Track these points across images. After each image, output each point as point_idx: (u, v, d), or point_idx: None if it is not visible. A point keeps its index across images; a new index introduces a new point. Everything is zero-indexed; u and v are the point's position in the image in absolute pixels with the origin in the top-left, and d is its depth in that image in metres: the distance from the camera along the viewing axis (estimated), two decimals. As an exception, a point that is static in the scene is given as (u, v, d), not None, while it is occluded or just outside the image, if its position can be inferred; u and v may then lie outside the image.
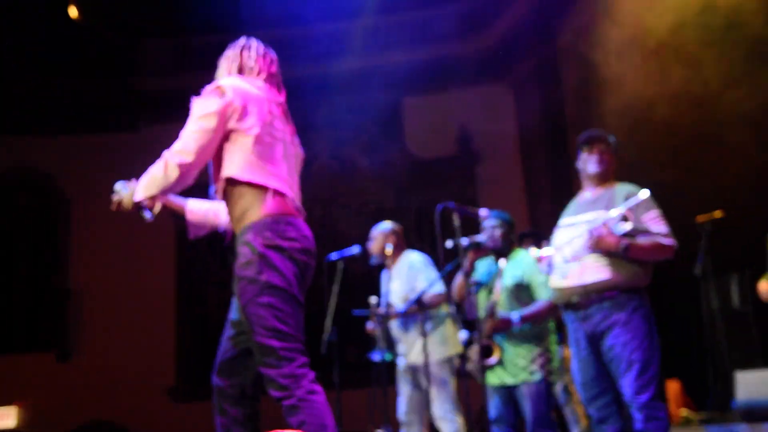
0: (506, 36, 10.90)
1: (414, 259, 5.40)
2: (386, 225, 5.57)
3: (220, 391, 2.99)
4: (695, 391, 6.68)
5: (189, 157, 2.76)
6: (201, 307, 11.38)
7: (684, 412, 6.22)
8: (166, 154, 2.81)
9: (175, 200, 3.19)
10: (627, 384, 3.68)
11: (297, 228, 2.82)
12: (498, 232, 4.73)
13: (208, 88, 2.91)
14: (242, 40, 3.20)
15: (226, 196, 2.90)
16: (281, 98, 3.08)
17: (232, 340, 2.98)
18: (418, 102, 11.53)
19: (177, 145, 2.81)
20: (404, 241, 5.56)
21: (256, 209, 2.80)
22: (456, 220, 4.35)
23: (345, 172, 11.55)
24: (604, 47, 7.87)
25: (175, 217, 3.20)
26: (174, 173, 2.77)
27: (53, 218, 11.64)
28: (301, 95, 8.50)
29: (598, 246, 3.72)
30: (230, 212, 2.90)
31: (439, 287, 5.15)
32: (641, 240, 3.74)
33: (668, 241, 3.76)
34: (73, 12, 9.62)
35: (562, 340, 5.37)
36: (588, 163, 4.04)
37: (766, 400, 5.14)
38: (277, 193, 2.83)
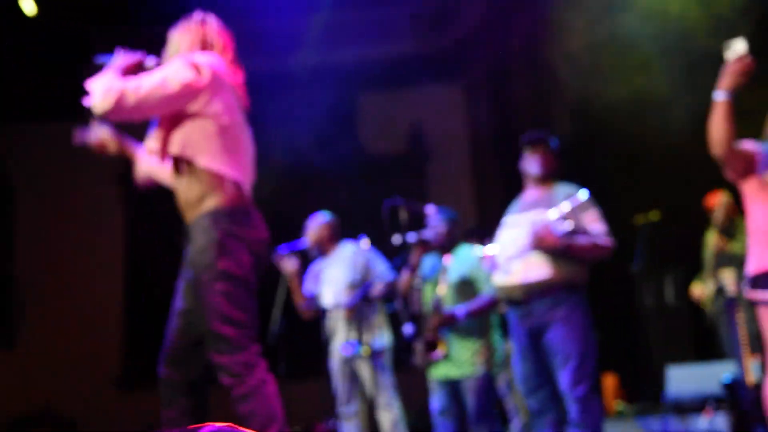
0: (461, 37, 11.03)
1: (354, 248, 5.46)
2: (321, 216, 5.64)
3: (167, 381, 2.98)
4: (630, 384, 6.89)
5: (131, 100, 2.66)
6: (149, 295, 11.28)
7: (618, 404, 6.41)
8: (124, 84, 2.71)
9: (130, 145, 3.19)
10: (564, 377, 3.82)
11: (253, 219, 2.82)
12: (444, 229, 4.83)
13: (187, 57, 2.83)
14: (199, 14, 3.10)
15: (179, 174, 2.86)
16: (241, 80, 3.03)
17: (179, 330, 2.96)
18: (372, 99, 11.59)
19: (133, 83, 2.70)
20: (339, 232, 5.62)
21: (215, 197, 2.75)
22: (403, 217, 4.43)
23: (298, 168, 11.56)
24: (556, 52, 8.03)
25: (126, 160, 3.22)
26: (110, 100, 2.68)
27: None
28: (256, 90, 8.51)
29: (540, 245, 3.85)
30: (183, 193, 2.85)
31: (388, 276, 5.25)
32: (580, 239, 3.88)
33: (606, 240, 3.91)
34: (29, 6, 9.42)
35: (506, 334, 5.52)
36: (530, 165, 4.18)
37: (695, 393, 5.34)
38: (236, 183, 2.80)
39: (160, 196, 11.38)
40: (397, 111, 11.20)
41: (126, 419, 10.07)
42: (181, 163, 2.83)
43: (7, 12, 9.75)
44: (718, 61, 2.91)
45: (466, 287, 4.75)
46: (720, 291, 5.41)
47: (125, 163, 11.17)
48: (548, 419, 3.98)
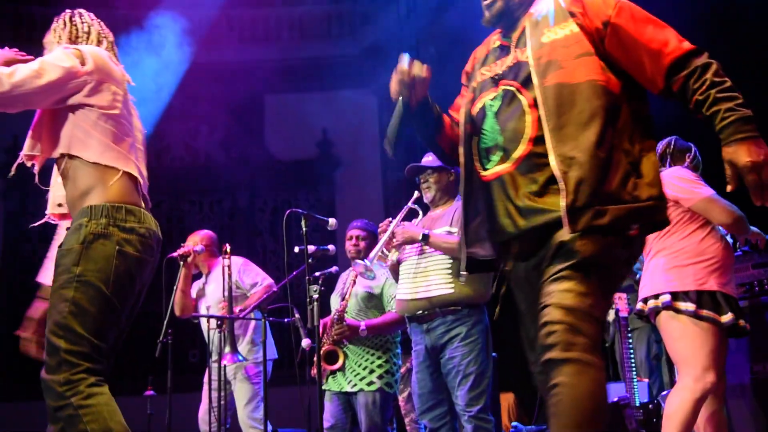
0: (373, 42, 11.02)
1: (234, 261, 5.27)
2: (198, 234, 5.57)
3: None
4: (528, 404, 6.99)
5: (5, 85, 2.40)
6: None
7: (514, 423, 6.50)
8: None
9: None
10: (461, 395, 3.84)
11: (139, 219, 2.58)
12: (362, 243, 4.78)
13: (68, 46, 2.63)
14: (68, 10, 2.88)
15: (65, 173, 2.60)
16: (122, 70, 2.83)
17: None
18: (280, 101, 11.46)
19: (6, 69, 2.45)
20: (218, 247, 5.50)
21: (98, 192, 2.53)
22: (304, 226, 4.36)
23: (198, 167, 11.29)
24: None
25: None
26: None
27: None
28: (156, 84, 8.28)
29: (403, 236, 4.00)
30: (68, 191, 2.63)
31: (264, 283, 5.21)
32: (443, 236, 3.95)
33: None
34: None
35: (407, 350, 5.49)
36: (424, 194, 4.24)
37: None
38: (126, 176, 2.59)
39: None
40: (307, 114, 11.07)
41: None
42: (66, 159, 2.58)
43: None
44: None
45: (371, 301, 4.70)
46: (616, 313, 5.53)
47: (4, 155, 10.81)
48: (444, 437, 3.98)
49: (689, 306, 3.52)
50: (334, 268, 4.91)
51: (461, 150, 2.32)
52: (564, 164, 1.99)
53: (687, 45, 2.03)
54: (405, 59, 2.22)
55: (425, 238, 3.94)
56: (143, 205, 2.67)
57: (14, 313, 10.50)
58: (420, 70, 2.21)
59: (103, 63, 2.62)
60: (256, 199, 11.25)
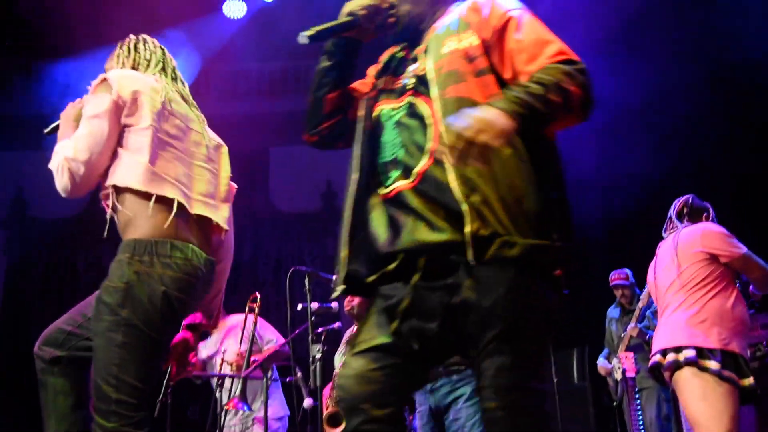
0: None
1: (240, 318, 5.25)
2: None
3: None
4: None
5: (81, 168, 2.44)
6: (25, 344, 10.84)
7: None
8: (63, 156, 2.48)
9: None
10: None
11: (185, 255, 2.49)
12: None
13: (94, 82, 2.61)
14: (133, 36, 2.88)
15: (113, 204, 2.55)
16: (183, 88, 2.86)
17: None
18: (285, 153, 11.56)
19: (69, 150, 2.48)
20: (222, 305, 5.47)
21: (140, 222, 2.47)
22: (307, 284, 4.37)
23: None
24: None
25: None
26: (66, 181, 2.47)
27: None
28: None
29: None
30: (117, 224, 2.58)
31: (278, 341, 5.18)
32: None
33: None
34: None
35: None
36: None
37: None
38: (171, 203, 2.51)
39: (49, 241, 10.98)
40: (311, 167, 11.15)
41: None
42: (111, 193, 2.54)
43: None
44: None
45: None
46: (623, 372, 5.51)
47: (12, 205, 10.93)
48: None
49: (715, 365, 3.50)
50: (337, 324, 4.90)
51: (357, 150, 2.15)
52: (466, 186, 1.85)
53: (568, 57, 1.94)
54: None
55: None
56: (192, 235, 2.58)
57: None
58: (392, 19, 2.17)
59: (127, 81, 2.59)
60: (259, 252, 11.27)
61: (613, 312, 6.40)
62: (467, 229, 1.80)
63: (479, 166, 1.72)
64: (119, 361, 2.35)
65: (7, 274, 11.04)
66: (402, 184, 1.97)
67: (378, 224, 2.02)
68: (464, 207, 1.82)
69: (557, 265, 1.93)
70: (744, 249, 3.74)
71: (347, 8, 2.14)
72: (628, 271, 6.29)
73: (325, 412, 4.45)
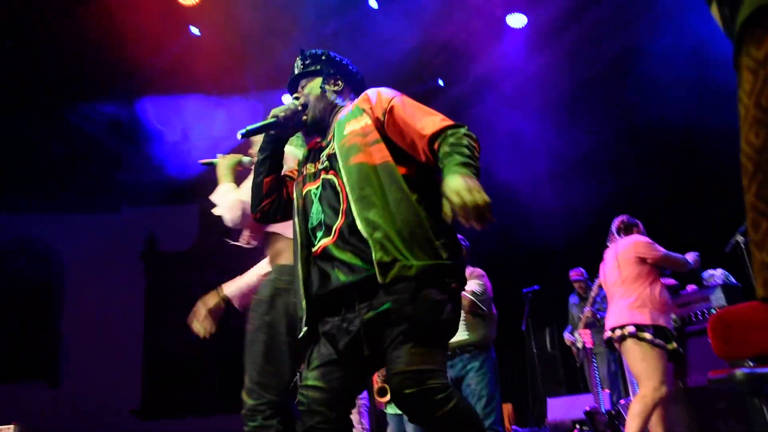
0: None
1: None
2: None
3: None
4: (521, 411, 6.88)
5: (248, 209, 2.28)
6: (163, 346, 10.95)
7: (513, 427, 6.37)
8: (239, 198, 2.49)
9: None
10: (478, 411, 3.81)
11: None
12: None
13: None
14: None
15: (267, 242, 2.59)
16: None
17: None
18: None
19: (245, 195, 2.40)
20: None
21: (285, 254, 2.45)
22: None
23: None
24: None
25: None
26: (237, 215, 2.47)
27: (51, 278, 10.98)
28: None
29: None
30: (267, 251, 2.60)
31: None
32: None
33: (470, 297, 3.93)
34: None
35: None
36: None
37: (568, 419, 5.37)
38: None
39: (173, 268, 10.95)
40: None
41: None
42: (271, 234, 2.56)
43: (59, 131, 9.54)
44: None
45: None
46: (583, 344, 5.53)
47: (147, 243, 10.97)
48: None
49: (649, 336, 3.56)
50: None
51: (296, 221, 1.99)
52: (369, 227, 1.74)
53: (446, 123, 1.80)
54: (300, 102, 2.11)
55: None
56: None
57: (155, 360, 10.65)
58: (304, 118, 2.10)
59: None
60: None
61: (573, 299, 6.42)
62: (374, 257, 1.71)
63: (489, 219, 1.55)
64: (261, 354, 2.28)
65: (146, 292, 11.16)
66: (325, 241, 1.85)
67: (314, 276, 1.87)
68: (370, 242, 1.72)
69: (451, 278, 1.77)
70: (662, 251, 3.80)
71: (272, 112, 2.07)
72: (582, 269, 6.32)
73: (375, 386, 4.46)
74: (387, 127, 1.88)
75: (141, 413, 10.28)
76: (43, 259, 11.12)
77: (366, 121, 1.91)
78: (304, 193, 2.01)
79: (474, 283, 3.98)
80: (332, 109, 2.10)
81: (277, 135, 2.12)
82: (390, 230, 1.72)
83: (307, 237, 1.94)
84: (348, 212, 1.81)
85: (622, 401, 4.73)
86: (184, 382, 10.73)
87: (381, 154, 1.85)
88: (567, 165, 6.80)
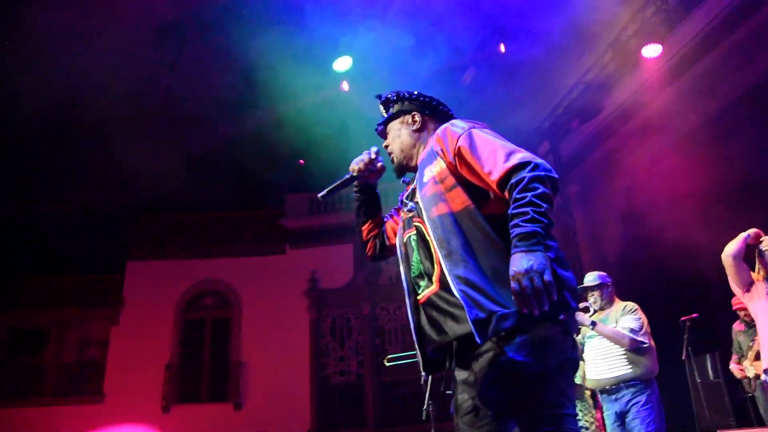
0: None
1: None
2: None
3: None
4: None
5: None
6: (325, 373, 11.62)
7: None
8: None
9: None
10: None
11: None
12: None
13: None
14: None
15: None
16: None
17: None
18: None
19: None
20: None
21: None
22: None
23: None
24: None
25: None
26: None
27: (231, 314, 12.08)
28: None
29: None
30: None
31: None
32: (607, 328, 3.92)
33: (630, 335, 3.84)
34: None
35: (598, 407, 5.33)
36: (591, 303, 4.23)
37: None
38: None
39: (333, 302, 11.53)
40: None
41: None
42: None
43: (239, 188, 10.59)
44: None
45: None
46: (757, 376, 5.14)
47: (310, 282, 11.73)
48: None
49: None
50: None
51: (403, 269, 1.87)
52: (461, 283, 1.59)
53: (510, 164, 1.60)
54: (374, 150, 2.08)
55: (593, 324, 3.92)
56: None
57: (321, 385, 11.30)
58: (380, 165, 2.08)
59: None
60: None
61: (738, 326, 5.97)
62: (469, 316, 1.56)
63: (546, 303, 1.44)
64: None
65: (310, 323, 11.94)
66: (428, 292, 1.73)
67: (425, 324, 1.75)
68: (461, 300, 1.58)
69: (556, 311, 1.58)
70: None
71: (351, 165, 2.07)
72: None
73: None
74: (460, 170, 1.71)
75: (312, 434, 10.97)
76: (224, 298, 12.35)
77: (441, 165, 1.75)
78: (405, 240, 1.89)
79: (630, 319, 3.93)
80: (416, 146, 1.97)
81: (362, 184, 2.11)
82: (481, 282, 1.58)
83: (412, 284, 1.83)
84: (441, 263, 1.67)
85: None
86: (348, 405, 11.30)
87: (461, 200, 1.68)
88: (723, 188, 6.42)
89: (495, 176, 1.61)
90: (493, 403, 1.58)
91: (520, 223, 1.50)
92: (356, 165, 2.05)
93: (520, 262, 1.46)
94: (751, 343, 5.44)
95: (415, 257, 1.81)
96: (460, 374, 1.69)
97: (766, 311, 3.26)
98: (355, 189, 2.12)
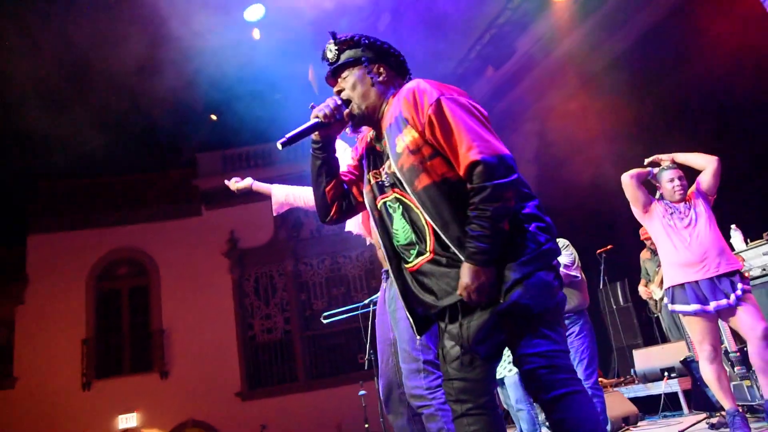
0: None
1: None
2: None
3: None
4: (603, 366, 6.95)
5: None
6: (252, 332, 11.45)
7: (600, 380, 6.46)
8: None
9: (262, 186, 2.71)
10: (580, 372, 3.90)
11: None
12: None
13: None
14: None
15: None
16: None
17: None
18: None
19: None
20: None
21: None
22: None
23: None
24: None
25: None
26: None
27: (149, 281, 11.52)
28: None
29: None
30: None
31: None
32: None
33: (564, 270, 3.95)
34: None
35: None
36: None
37: (654, 368, 5.42)
38: None
39: (255, 261, 11.25)
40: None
41: (247, 421, 10.17)
42: None
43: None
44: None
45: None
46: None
47: (230, 242, 11.34)
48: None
49: None
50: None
51: (376, 232, 1.82)
52: (460, 246, 1.59)
53: (473, 157, 1.56)
54: (338, 97, 1.81)
55: None
56: None
57: (248, 346, 11.10)
58: (346, 112, 1.80)
59: None
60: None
61: (645, 254, 6.37)
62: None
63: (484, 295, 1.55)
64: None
65: (233, 283, 11.63)
66: (422, 260, 1.69)
67: (416, 289, 1.73)
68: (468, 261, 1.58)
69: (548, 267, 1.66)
70: None
71: (313, 112, 1.78)
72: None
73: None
74: (431, 140, 1.64)
75: (242, 395, 10.80)
76: (140, 264, 11.69)
77: (412, 134, 1.65)
78: (378, 205, 1.80)
79: (564, 256, 4.06)
80: (380, 102, 1.79)
81: (324, 137, 1.82)
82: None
83: (393, 250, 1.79)
84: (436, 233, 1.64)
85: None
86: (278, 362, 11.23)
87: (441, 170, 1.63)
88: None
89: (461, 163, 1.58)
90: (493, 347, 1.65)
91: (472, 243, 1.54)
92: (321, 112, 1.77)
93: (466, 278, 1.54)
94: (657, 269, 5.84)
95: (399, 225, 1.75)
96: (451, 327, 1.69)
97: (662, 230, 3.42)
98: (316, 145, 1.84)
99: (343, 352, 10.99)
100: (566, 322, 3.96)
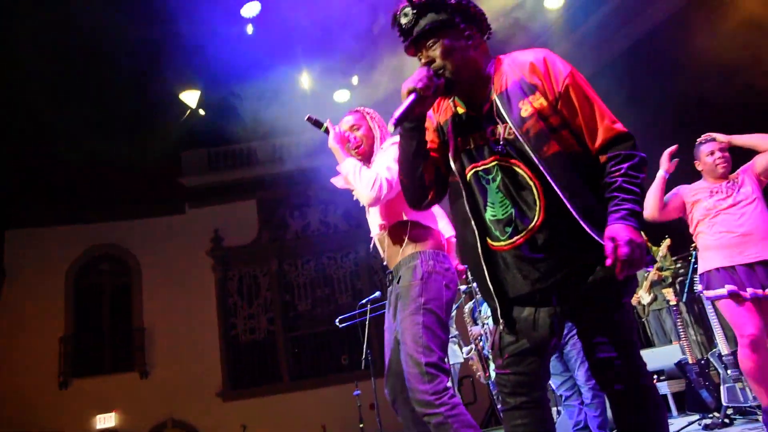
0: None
1: None
2: None
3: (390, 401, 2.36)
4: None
5: (391, 190, 2.17)
6: (234, 332, 11.24)
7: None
8: (381, 175, 2.18)
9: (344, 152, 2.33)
10: (582, 372, 3.83)
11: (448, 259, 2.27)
12: None
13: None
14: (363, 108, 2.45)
15: (392, 235, 2.29)
16: None
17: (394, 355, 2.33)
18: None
19: (386, 173, 2.17)
20: None
21: (419, 243, 2.22)
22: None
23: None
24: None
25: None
26: (376, 192, 2.15)
27: (131, 279, 11.23)
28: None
29: None
30: (391, 240, 2.30)
31: None
32: None
33: None
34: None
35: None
36: None
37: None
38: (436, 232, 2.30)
39: (239, 260, 11.03)
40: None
41: (228, 421, 9.94)
42: (399, 227, 2.26)
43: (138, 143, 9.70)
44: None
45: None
46: (655, 300, 5.56)
47: (214, 241, 11.14)
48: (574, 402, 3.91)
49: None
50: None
51: (463, 207, 1.65)
52: (586, 218, 1.50)
53: (618, 127, 1.53)
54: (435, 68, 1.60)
55: None
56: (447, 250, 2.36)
57: (230, 345, 10.82)
58: (441, 81, 1.60)
59: None
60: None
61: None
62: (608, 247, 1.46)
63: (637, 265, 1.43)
64: (426, 335, 2.11)
65: (216, 283, 11.40)
66: (518, 238, 1.56)
67: (506, 272, 1.61)
68: (594, 237, 1.49)
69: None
70: None
71: (406, 88, 1.56)
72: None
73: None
74: (562, 108, 1.54)
75: (223, 395, 10.57)
76: (122, 262, 11.39)
77: (541, 101, 1.54)
78: (468, 175, 1.64)
79: None
80: (480, 68, 1.62)
81: (419, 114, 1.61)
82: (603, 221, 1.49)
83: (481, 225, 1.63)
84: (548, 209, 1.52)
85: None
86: (261, 362, 11.02)
87: (568, 142, 1.54)
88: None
89: (602, 134, 1.53)
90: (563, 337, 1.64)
91: (624, 205, 1.47)
92: (415, 84, 1.54)
93: (623, 234, 1.43)
94: (645, 274, 5.86)
95: (496, 198, 1.60)
96: (539, 312, 1.60)
97: (699, 214, 3.12)
98: (410, 124, 1.61)
99: (327, 351, 10.86)
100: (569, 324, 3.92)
